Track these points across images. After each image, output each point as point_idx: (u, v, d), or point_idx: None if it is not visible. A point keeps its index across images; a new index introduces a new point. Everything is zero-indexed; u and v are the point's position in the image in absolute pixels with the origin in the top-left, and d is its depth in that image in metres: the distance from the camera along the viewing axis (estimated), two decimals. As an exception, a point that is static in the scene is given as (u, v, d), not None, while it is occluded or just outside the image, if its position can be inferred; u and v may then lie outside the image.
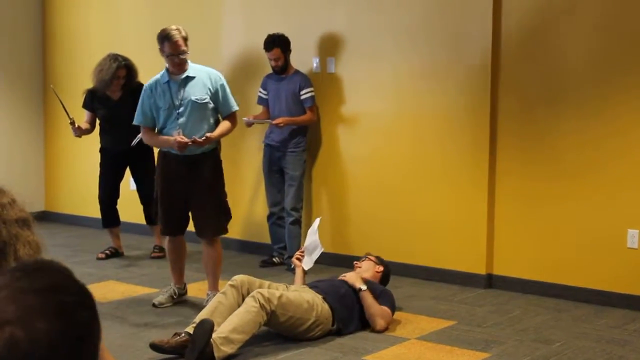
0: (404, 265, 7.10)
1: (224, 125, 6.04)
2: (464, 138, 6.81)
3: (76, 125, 7.38)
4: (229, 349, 5.02)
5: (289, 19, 7.62)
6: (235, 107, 6.09)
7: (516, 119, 6.63)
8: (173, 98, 5.93)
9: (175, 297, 6.29)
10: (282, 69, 7.28)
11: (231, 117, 6.07)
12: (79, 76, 8.83)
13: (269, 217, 7.54)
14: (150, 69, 7.80)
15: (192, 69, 5.98)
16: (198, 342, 4.91)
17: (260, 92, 7.45)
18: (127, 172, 7.74)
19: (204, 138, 5.85)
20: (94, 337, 1.30)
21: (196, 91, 5.93)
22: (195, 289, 6.56)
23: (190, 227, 6.20)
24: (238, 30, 7.90)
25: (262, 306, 5.17)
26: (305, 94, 7.29)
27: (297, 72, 7.36)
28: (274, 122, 7.17)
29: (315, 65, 7.52)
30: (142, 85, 7.46)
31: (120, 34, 8.65)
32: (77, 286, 1.32)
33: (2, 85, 9.04)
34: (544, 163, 6.51)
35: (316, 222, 6.24)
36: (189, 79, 5.94)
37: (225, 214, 6.12)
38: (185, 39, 5.89)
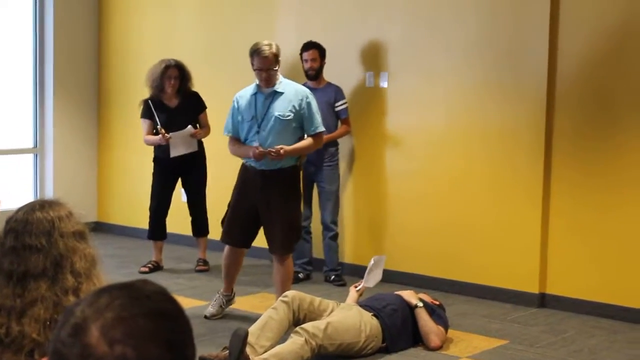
0: (455, 283, 7.03)
1: (304, 141, 5.98)
2: (518, 155, 6.72)
3: (162, 133, 7.26)
4: None
5: (342, 33, 7.61)
6: (321, 128, 6.01)
7: (571, 137, 6.53)
8: (257, 111, 5.93)
9: (224, 306, 6.30)
10: (316, 74, 7.23)
11: (315, 136, 6.01)
12: (132, 87, 8.91)
13: None
14: (204, 78, 7.88)
15: (282, 84, 5.96)
16: (233, 351, 4.94)
17: None
18: (178, 184, 7.75)
19: (277, 149, 5.79)
20: None
21: (281, 107, 5.90)
22: (247, 303, 6.55)
23: (256, 242, 6.25)
24: (291, 42, 7.89)
25: (306, 341, 5.15)
26: (341, 105, 7.28)
27: (330, 83, 7.34)
28: None
29: (368, 79, 7.49)
30: (196, 93, 7.48)
31: (174, 44, 8.70)
32: (186, 319, 1.29)
33: (58, 96, 9.14)
34: (600, 182, 6.40)
35: (382, 260, 6.15)
36: (277, 94, 5.93)
37: (295, 233, 6.08)
38: (275, 55, 5.86)
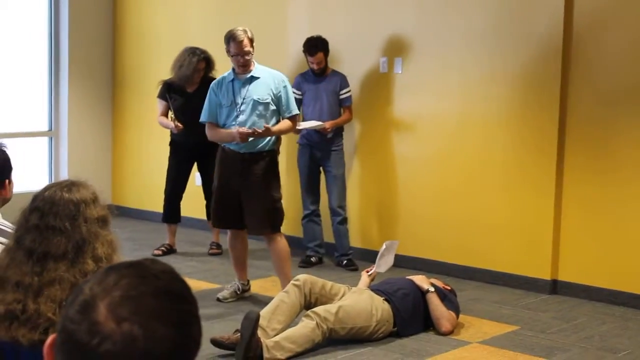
0: (467, 268, 7.04)
1: (285, 123, 6.11)
2: (532, 142, 6.72)
3: (176, 124, 7.31)
4: (278, 354, 5.05)
5: (356, 18, 7.61)
6: (296, 111, 6.19)
7: (585, 123, 6.52)
8: (235, 96, 6.03)
9: (239, 292, 6.36)
10: (323, 71, 7.32)
11: (291, 119, 6.16)
12: (147, 70, 8.94)
13: (307, 215, 7.49)
14: (217, 65, 7.88)
15: (258, 69, 6.08)
16: (244, 334, 4.97)
17: (293, 92, 7.41)
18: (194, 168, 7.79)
19: (263, 129, 5.89)
20: (199, 350, 1.29)
21: (259, 91, 6.01)
22: (258, 286, 6.59)
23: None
24: (303, 30, 7.90)
25: (318, 325, 5.19)
26: (345, 93, 7.34)
27: (335, 71, 7.40)
28: (324, 125, 7.15)
29: (382, 65, 7.49)
30: (214, 79, 7.51)
31: (187, 28, 8.72)
32: (193, 298, 1.30)
33: (73, 79, 9.18)
34: (613, 168, 6.39)
35: (394, 245, 6.17)
36: (254, 79, 6.04)
37: (274, 214, 6.12)
38: (251, 40, 5.99)
